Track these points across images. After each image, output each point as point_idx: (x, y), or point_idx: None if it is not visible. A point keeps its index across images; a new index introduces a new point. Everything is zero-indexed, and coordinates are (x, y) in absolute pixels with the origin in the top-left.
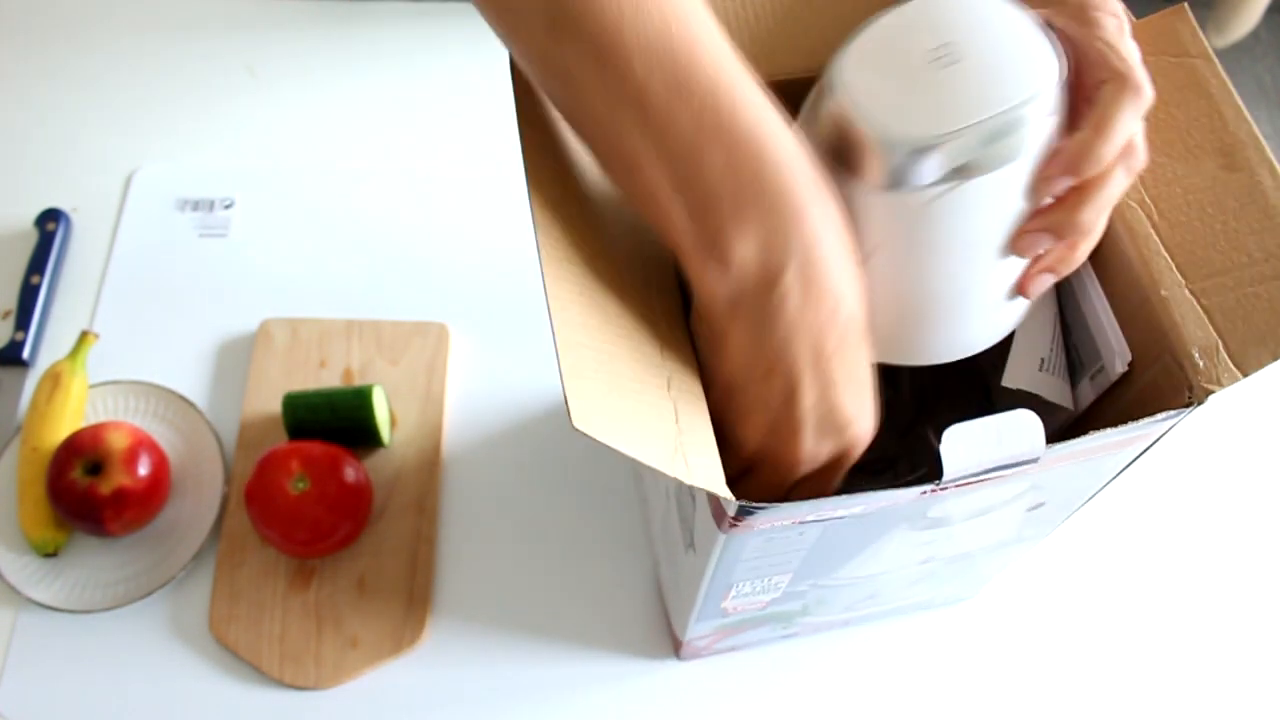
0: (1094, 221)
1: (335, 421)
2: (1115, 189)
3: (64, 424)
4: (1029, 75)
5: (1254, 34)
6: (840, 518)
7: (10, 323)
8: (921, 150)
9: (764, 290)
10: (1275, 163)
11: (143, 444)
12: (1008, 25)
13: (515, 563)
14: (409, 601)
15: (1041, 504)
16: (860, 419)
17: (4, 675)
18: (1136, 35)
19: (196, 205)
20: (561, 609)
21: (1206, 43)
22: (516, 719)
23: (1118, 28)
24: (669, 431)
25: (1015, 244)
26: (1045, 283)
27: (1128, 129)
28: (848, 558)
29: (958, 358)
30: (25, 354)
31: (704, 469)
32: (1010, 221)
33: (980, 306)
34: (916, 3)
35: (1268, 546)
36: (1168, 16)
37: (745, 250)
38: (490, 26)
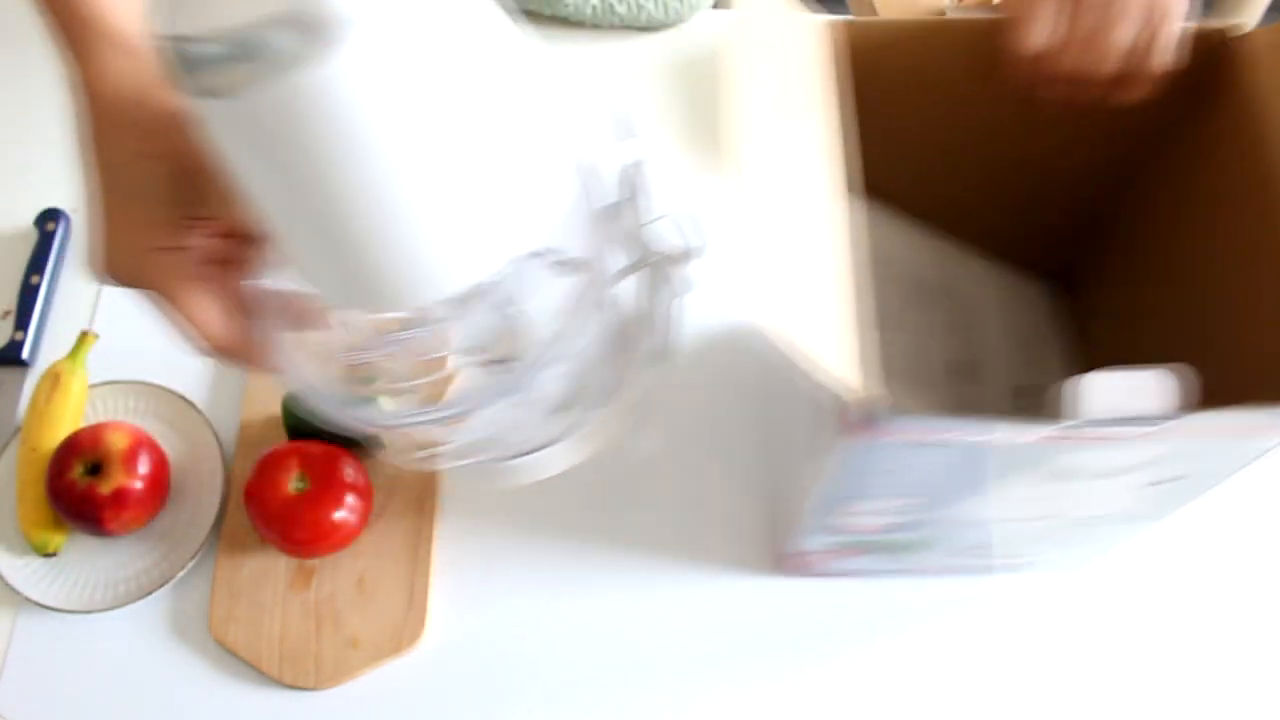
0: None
1: None
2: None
3: (64, 424)
4: None
5: None
6: (969, 443)
7: (10, 323)
8: (177, 55)
9: None
10: None
11: (143, 444)
12: None
13: (514, 562)
14: (409, 601)
15: (1168, 479)
16: None
17: (4, 675)
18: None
19: None
20: (558, 610)
21: None
22: (518, 717)
23: None
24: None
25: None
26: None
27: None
28: (967, 493)
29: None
30: (25, 354)
31: (843, 368)
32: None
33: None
34: None
35: None
36: None
37: None
38: None
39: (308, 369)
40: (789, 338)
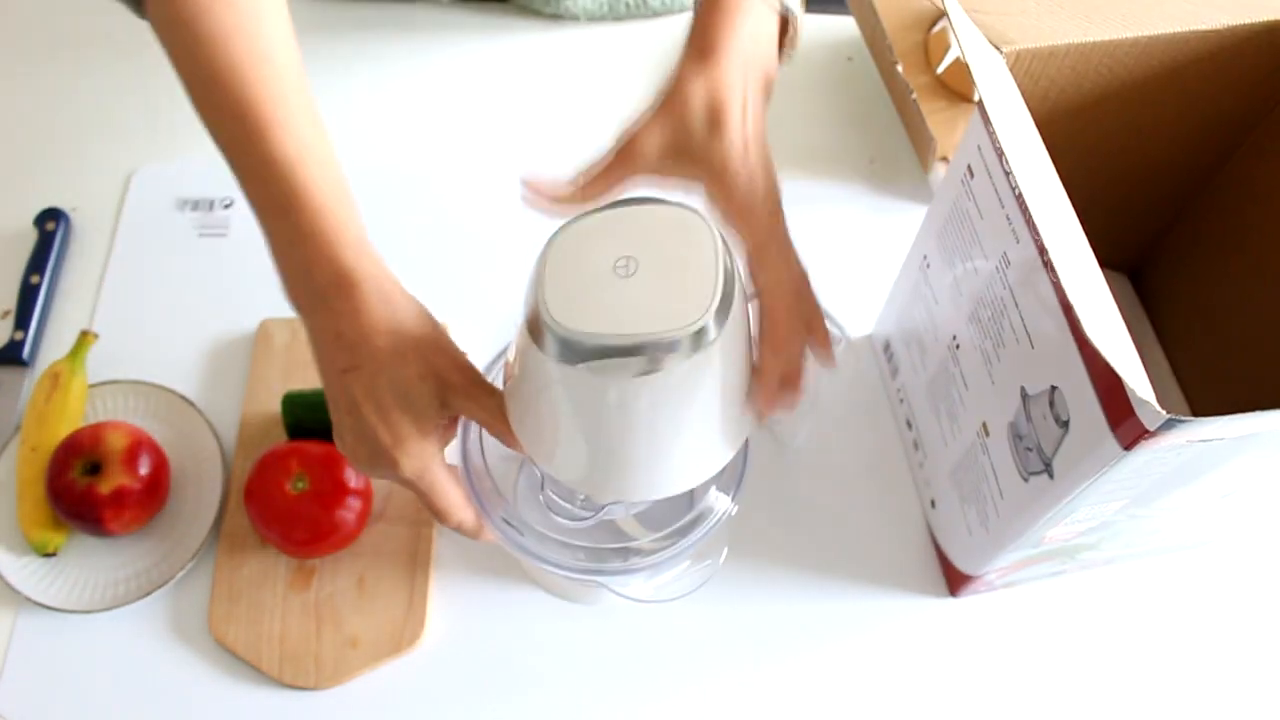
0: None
1: None
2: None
3: (63, 424)
4: (676, 311)
5: None
6: (1238, 438)
7: (10, 322)
8: (569, 342)
9: None
10: None
11: (142, 444)
12: (690, 249)
13: (514, 562)
14: (409, 601)
15: None
16: None
17: (4, 675)
18: None
19: (196, 205)
20: (558, 610)
21: None
22: (518, 718)
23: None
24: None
25: (753, 410)
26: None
27: (792, 342)
28: (1182, 485)
29: (664, 495)
30: (25, 354)
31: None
32: (668, 406)
33: (671, 460)
34: (622, 210)
35: None
36: None
37: None
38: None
39: (528, 540)
40: (1106, 350)
